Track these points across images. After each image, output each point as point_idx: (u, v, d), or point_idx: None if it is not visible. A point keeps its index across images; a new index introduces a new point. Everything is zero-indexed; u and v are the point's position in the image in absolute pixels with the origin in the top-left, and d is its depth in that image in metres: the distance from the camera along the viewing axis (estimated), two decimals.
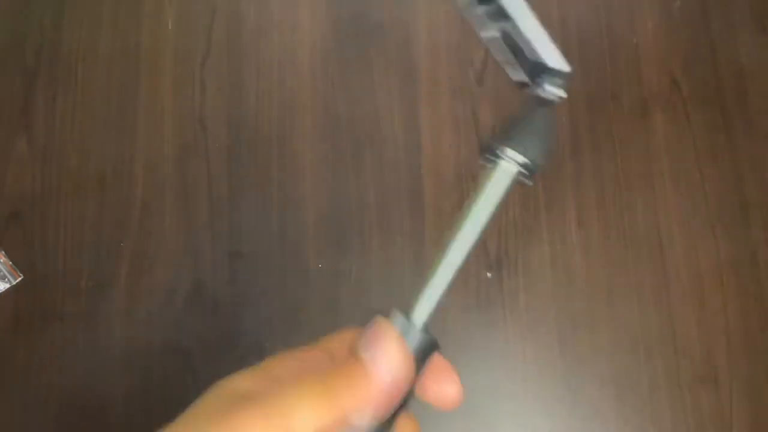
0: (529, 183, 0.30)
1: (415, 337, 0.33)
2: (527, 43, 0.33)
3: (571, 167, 0.71)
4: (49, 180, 0.67)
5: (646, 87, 0.73)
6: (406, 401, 0.32)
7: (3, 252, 0.65)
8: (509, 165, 0.32)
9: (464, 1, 0.31)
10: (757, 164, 0.72)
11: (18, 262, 0.65)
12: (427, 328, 0.33)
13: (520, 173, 0.32)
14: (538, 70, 0.34)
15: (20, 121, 0.68)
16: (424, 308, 0.35)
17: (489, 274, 0.68)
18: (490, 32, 0.32)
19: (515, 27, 0.32)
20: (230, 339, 0.65)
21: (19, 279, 0.64)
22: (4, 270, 0.64)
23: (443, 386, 0.33)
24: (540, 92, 0.34)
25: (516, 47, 0.32)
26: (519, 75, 0.35)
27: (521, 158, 0.32)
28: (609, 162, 0.71)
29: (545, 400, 0.65)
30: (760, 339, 0.64)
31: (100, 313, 0.65)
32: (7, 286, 0.64)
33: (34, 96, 0.69)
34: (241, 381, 0.27)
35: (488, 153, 0.31)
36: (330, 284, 0.67)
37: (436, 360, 0.34)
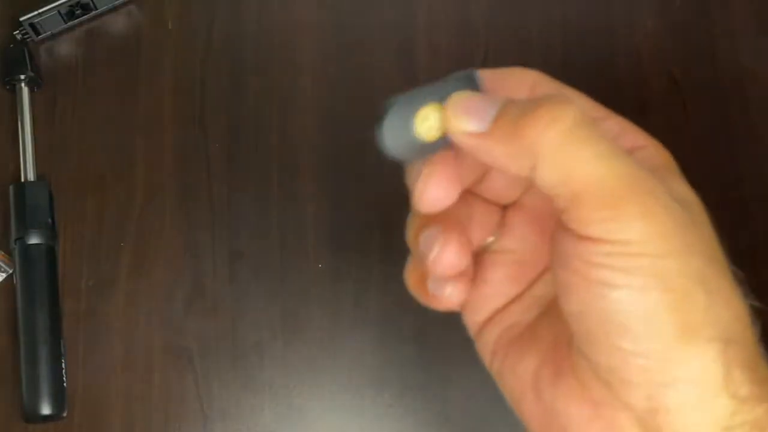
0: None
1: None
2: None
3: None
4: (49, 180, 0.67)
5: (646, 87, 0.73)
6: None
7: None
8: None
9: None
10: (758, 164, 0.72)
11: None
12: None
13: None
14: None
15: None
16: None
17: None
18: None
19: None
20: (230, 339, 0.65)
21: (14, 270, 0.64)
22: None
23: None
24: None
25: None
26: None
27: None
28: None
29: None
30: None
31: (100, 313, 0.65)
32: (3, 276, 0.64)
33: (34, 96, 0.69)
34: None
35: None
36: (330, 284, 0.67)
37: None
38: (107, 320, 0.65)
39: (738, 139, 0.72)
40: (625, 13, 0.75)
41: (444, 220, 0.32)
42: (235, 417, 0.63)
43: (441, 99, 0.29)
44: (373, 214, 0.68)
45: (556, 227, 0.28)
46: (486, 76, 0.30)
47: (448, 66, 0.72)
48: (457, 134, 0.29)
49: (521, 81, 0.31)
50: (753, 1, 0.76)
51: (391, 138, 0.31)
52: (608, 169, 0.26)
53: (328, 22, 0.73)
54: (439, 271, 0.32)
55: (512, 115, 0.27)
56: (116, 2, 0.70)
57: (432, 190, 0.31)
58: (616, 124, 0.31)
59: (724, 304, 0.26)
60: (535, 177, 0.27)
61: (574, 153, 0.26)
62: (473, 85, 0.29)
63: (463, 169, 0.32)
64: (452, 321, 0.66)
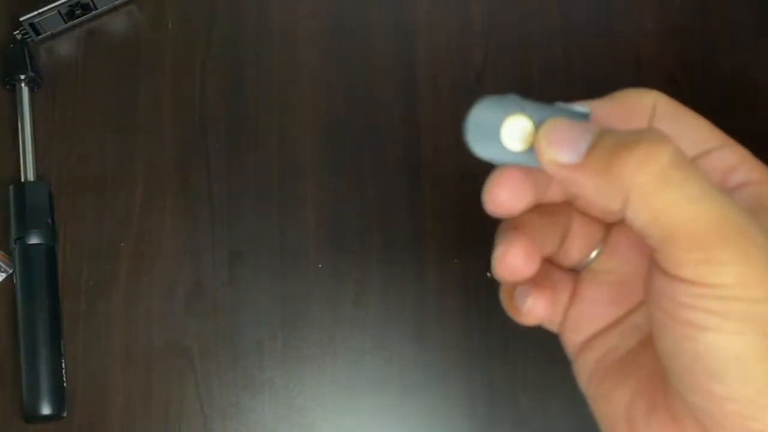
0: None
1: None
2: None
3: None
4: (49, 180, 0.67)
5: (646, 87, 0.73)
6: None
7: None
8: None
9: None
10: None
11: None
12: None
13: None
14: None
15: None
16: None
17: (489, 274, 0.68)
18: None
19: None
20: (230, 339, 0.65)
21: (14, 270, 0.64)
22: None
23: None
24: None
25: None
26: None
27: None
28: None
29: (544, 401, 0.65)
30: None
31: (100, 313, 0.65)
32: (3, 276, 0.64)
33: (34, 96, 0.69)
34: None
35: None
36: (330, 284, 0.67)
37: None
38: (107, 320, 0.65)
39: (738, 139, 0.72)
40: (625, 14, 0.75)
41: (517, 225, 0.31)
42: (235, 417, 0.64)
43: (537, 117, 0.29)
44: (373, 214, 0.68)
45: (651, 263, 0.27)
46: (599, 105, 0.29)
47: (448, 66, 0.72)
48: (547, 164, 0.28)
49: (639, 104, 0.30)
50: (753, 1, 0.76)
51: (475, 136, 0.29)
52: (700, 211, 0.25)
53: (327, 22, 0.73)
54: (502, 274, 0.31)
55: (606, 149, 0.26)
56: (116, 2, 0.70)
57: (496, 192, 0.30)
58: (731, 154, 0.30)
59: None
60: (625, 214, 0.26)
61: (666, 195, 0.25)
62: (580, 119, 0.28)
63: (557, 186, 0.31)
64: (452, 322, 0.67)
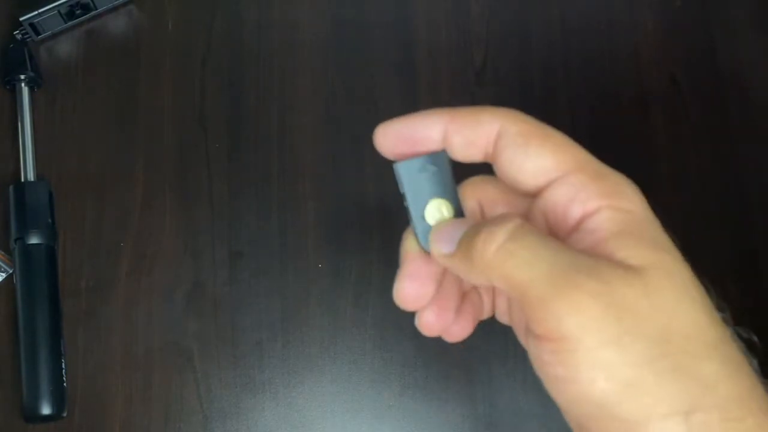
0: None
1: None
2: None
3: None
4: (49, 180, 0.67)
5: (646, 87, 0.73)
6: None
7: None
8: None
9: None
10: (758, 164, 0.72)
11: None
12: None
13: None
14: None
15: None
16: None
17: None
18: None
19: None
20: (230, 339, 0.65)
21: (14, 270, 0.64)
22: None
23: None
24: None
25: None
26: None
27: None
28: (609, 162, 0.71)
29: (544, 401, 0.65)
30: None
31: (100, 313, 0.65)
32: (3, 276, 0.64)
33: (34, 96, 0.69)
34: None
35: None
36: (330, 284, 0.67)
37: None
38: (107, 320, 0.65)
39: (738, 139, 0.72)
40: (625, 13, 0.75)
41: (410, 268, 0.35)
42: (235, 417, 0.63)
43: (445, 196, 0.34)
44: (373, 214, 0.68)
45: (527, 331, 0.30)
46: (455, 126, 0.32)
47: (448, 66, 0.73)
48: (434, 255, 0.32)
49: (486, 127, 0.31)
50: (753, 1, 0.76)
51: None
52: (535, 272, 0.28)
53: (327, 23, 0.73)
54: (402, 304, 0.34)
55: (467, 238, 0.30)
56: (116, 2, 0.70)
57: (405, 291, 0.34)
58: (568, 186, 0.31)
59: (683, 376, 0.27)
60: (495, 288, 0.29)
61: (508, 265, 0.28)
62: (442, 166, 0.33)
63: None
64: None
